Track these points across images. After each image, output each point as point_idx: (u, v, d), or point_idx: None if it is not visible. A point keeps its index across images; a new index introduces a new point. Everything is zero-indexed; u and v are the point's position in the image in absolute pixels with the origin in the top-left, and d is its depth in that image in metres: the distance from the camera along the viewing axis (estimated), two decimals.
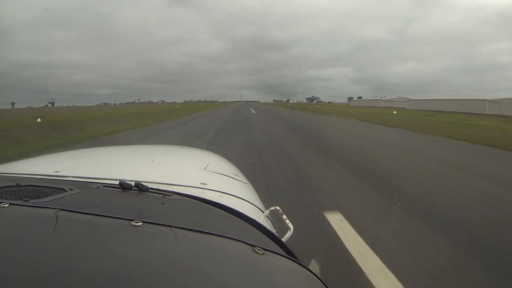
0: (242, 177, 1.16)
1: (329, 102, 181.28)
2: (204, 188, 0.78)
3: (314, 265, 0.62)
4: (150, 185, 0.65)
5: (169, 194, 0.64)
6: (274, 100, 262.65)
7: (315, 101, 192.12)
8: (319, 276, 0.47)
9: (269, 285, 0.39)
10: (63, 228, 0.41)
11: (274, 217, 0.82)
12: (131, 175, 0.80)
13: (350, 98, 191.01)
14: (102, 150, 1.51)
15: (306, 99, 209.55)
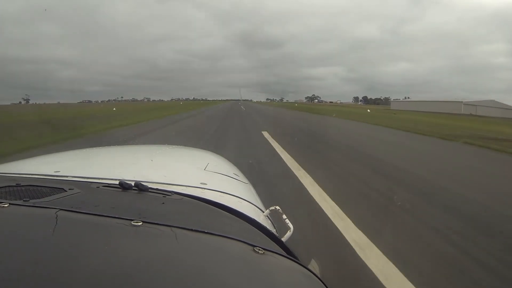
0: (242, 177, 1.15)
1: (330, 102, 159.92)
2: (204, 188, 0.78)
3: (314, 265, 0.62)
4: (150, 185, 0.64)
5: (169, 194, 0.63)
6: (267, 99, 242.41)
7: (316, 100, 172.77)
8: (319, 276, 0.47)
9: (269, 285, 0.39)
10: (63, 228, 0.40)
11: (274, 217, 0.81)
12: (131, 175, 0.79)
13: (356, 98, 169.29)
14: (102, 150, 1.50)
15: (306, 98, 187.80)
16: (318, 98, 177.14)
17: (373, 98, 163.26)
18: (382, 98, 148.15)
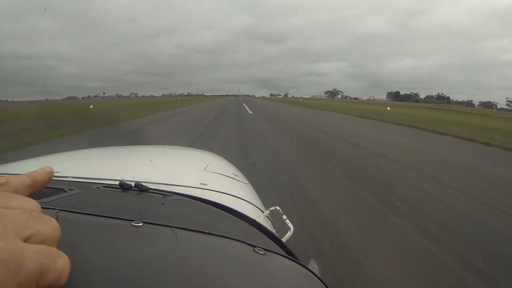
0: (242, 177, 1.16)
1: (355, 98, 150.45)
2: (204, 189, 0.78)
3: (313, 265, 0.61)
4: (150, 186, 0.64)
5: (169, 194, 0.64)
6: (270, 95, 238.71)
7: (339, 96, 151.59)
8: (319, 276, 0.47)
9: (269, 285, 0.39)
10: (63, 229, 0.40)
11: (274, 217, 0.81)
12: (131, 176, 0.79)
13: (390, 94, 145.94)
14: (102, 151, 1.50)
15: (326, 93, 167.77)
16: (341, 93, 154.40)
17: (402, 93, 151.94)
18: (412, 94, 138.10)
